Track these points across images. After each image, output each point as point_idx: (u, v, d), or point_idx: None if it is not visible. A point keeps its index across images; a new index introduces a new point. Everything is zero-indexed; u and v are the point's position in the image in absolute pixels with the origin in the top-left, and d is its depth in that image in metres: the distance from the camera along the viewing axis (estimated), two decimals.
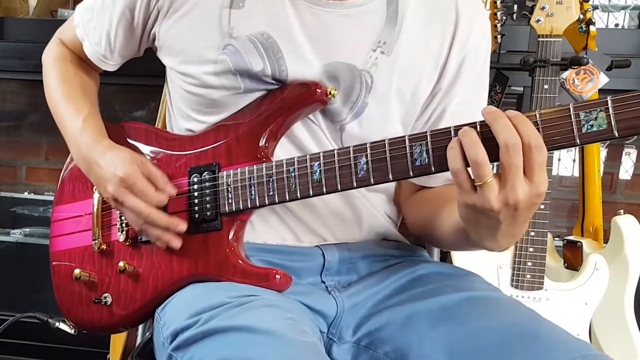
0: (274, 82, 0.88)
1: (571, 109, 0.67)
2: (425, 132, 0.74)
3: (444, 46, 0.91)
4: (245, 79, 0.88)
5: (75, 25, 1.02)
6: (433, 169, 0.74)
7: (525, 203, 0.67)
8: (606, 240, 1.54)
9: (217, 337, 0.72)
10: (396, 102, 0.90)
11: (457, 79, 0.92)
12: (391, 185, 1.01)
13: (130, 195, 0.87)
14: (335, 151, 0.80)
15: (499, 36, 1.56)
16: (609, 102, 0.65)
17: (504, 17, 1.55)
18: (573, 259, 1.55)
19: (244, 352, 0.68)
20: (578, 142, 0.67)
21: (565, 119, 0.67)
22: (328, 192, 0.81)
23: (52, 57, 1.06)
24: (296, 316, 0.78)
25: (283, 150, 0.89)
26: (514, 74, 1.58)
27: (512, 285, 1.48)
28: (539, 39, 1.43)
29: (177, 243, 0.88)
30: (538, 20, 1.42)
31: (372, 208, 0.96)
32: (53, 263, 1.04)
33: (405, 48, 0.89)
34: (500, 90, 1.59)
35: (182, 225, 0.88)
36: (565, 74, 1.48)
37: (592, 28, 1.46)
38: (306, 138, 0.90)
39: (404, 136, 0.76)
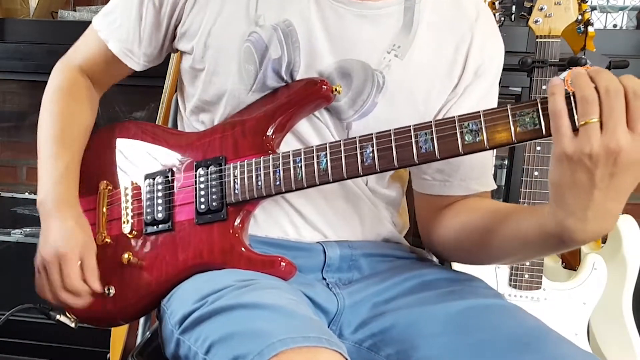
0: (284, 76, 0.90)
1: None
2: (430, 122, 0.76)
3: (459, 55, 0.92)
4: (260, 71, 0.90)
5: (96, 30, 1.02)
6: (438, 155, 0.76)
7: (627, 157, 0.64)
8: (604, 240, 1.55)
9: (223, 315, 0.73)
10: (406, 106, 0.91)
11: (471, 85, 0.93)
12: (399, 197, 1.02)
13: (55, 270, 0.93)
14: (342, 141, 0.82)
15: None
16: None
17: (503, 18, 1.56)
18: (571, 258, 1.55)
19: (250, 324, 0.69)
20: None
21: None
22: (335, 181, 0.82)
23: (54, 87, 1.04)
24: (300, 300, 0.79)
25: (288, 147, 0.90)
26: (512, 75, 1.58)
27: (510, 285, 1.48)
28: (537, 40, 1.43)
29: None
30: (536, 21, 1.42)
31: (376, 211, 0.97)
32: None
33: (418, 54, 0.91)
34: None
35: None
36: (563, 75, 1.48)
37: (590, 29, 1.47)
38: (311, 134, 0.91)
39: (409, 126, 0.78)
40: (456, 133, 0.75)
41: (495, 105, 0.94)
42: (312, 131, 0.92)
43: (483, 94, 0.94)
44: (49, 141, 1.00)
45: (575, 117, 0.67)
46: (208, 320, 0.74)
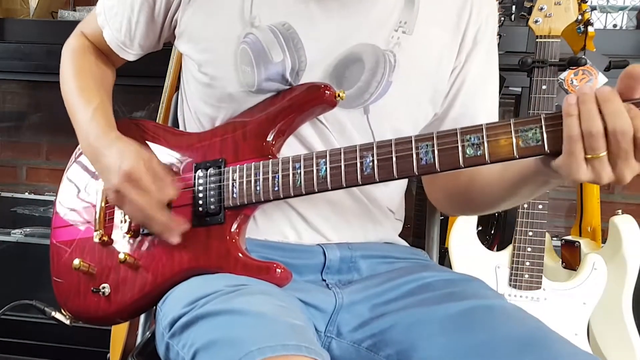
0: (288, 79, 0.89)
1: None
2: (432, 133, 0.76)
3: (461, 20, 0.93)
4: (261, 72, 0.89)
5: (97, 14, 1.03)
6: (438, 168, 0.76)
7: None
8: (604, 240, 1.55)
9: (208, 320, 0.73)
10: (421, 80, 0.92)
11: (473, 49, 0.95)
12: (398, 197, 1.02)
13: (133, 190, 0.87)
14: (342, 149, 0.81)
15: (497, 37, 1.56)
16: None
17: (503, 18, 1.56)
18: (571, 258, 1.55)
19: (232, 332, 0.69)
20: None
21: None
22: (333, 189, 0.82)
23: (70, 49, 1.06)
24: (289, 306, 0.79)
25: (291, 150, 0.90)
26: (512, 75, 1.59)
27: (510, 285, 1.48)
28: (537, 40, 1.43)
29: (175, 240, 0.89)
30: (536, 21, 1.42)
31: (377, 212, 0.97)
32: (53, 253, 1.04)
33: (424, 26, 0.92)
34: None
35: (184, 225, 0.88)
36: (563, 75, 1.48)
37: (590, 29, 1.47)
38: (314, 137, 0.91)
39: (410, 136, 0.77)
40: (457, 146, 0.74)
41: (497, 62, 0.99)
42: (314, 134, 0.91)
43: (484, 57, 0.96)
44: (75, 93, 1.00)
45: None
46: (194, 325, 0.75)
